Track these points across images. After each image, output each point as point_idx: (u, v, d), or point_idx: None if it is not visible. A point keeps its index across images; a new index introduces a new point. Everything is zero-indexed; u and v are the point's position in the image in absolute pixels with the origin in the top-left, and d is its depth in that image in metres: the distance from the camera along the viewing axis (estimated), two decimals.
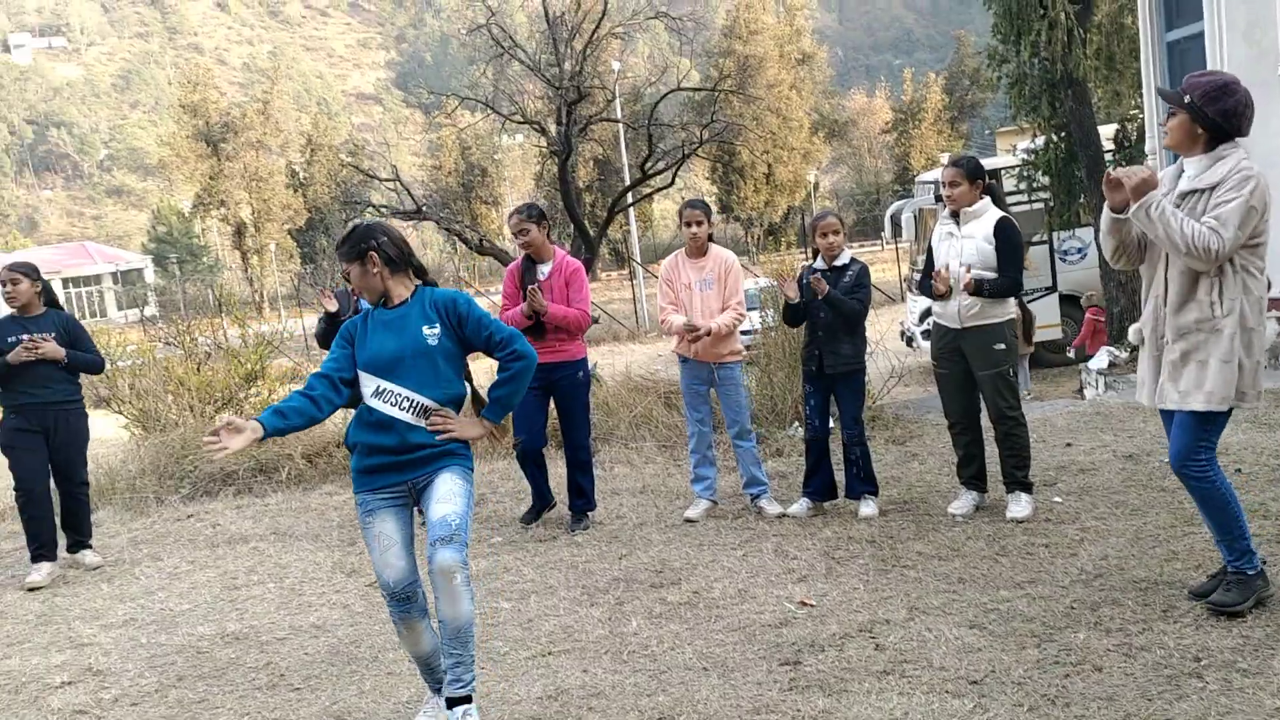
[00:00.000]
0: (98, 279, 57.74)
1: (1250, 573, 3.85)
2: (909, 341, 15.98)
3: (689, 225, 5.88)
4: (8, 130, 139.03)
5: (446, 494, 3.46)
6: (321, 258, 43.50)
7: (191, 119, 49.92)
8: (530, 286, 5.77)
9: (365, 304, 3.89)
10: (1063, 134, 16.06)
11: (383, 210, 15.97)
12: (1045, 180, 16.00)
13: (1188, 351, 3.81)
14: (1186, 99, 3.75)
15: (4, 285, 6.06)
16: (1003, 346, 5.32)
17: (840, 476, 5.90)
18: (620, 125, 25.89)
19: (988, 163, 18.26)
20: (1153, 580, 4.27)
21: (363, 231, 3.58)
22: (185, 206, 56.68)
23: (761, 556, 5.14)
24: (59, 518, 6.20)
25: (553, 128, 16.45)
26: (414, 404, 3.48)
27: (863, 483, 5.69)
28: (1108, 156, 15.72)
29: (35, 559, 6.05)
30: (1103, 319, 13.72)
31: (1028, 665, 3.62)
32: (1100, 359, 11.09)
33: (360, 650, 4.46)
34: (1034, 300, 15.36)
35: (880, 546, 5.11)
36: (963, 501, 5.52)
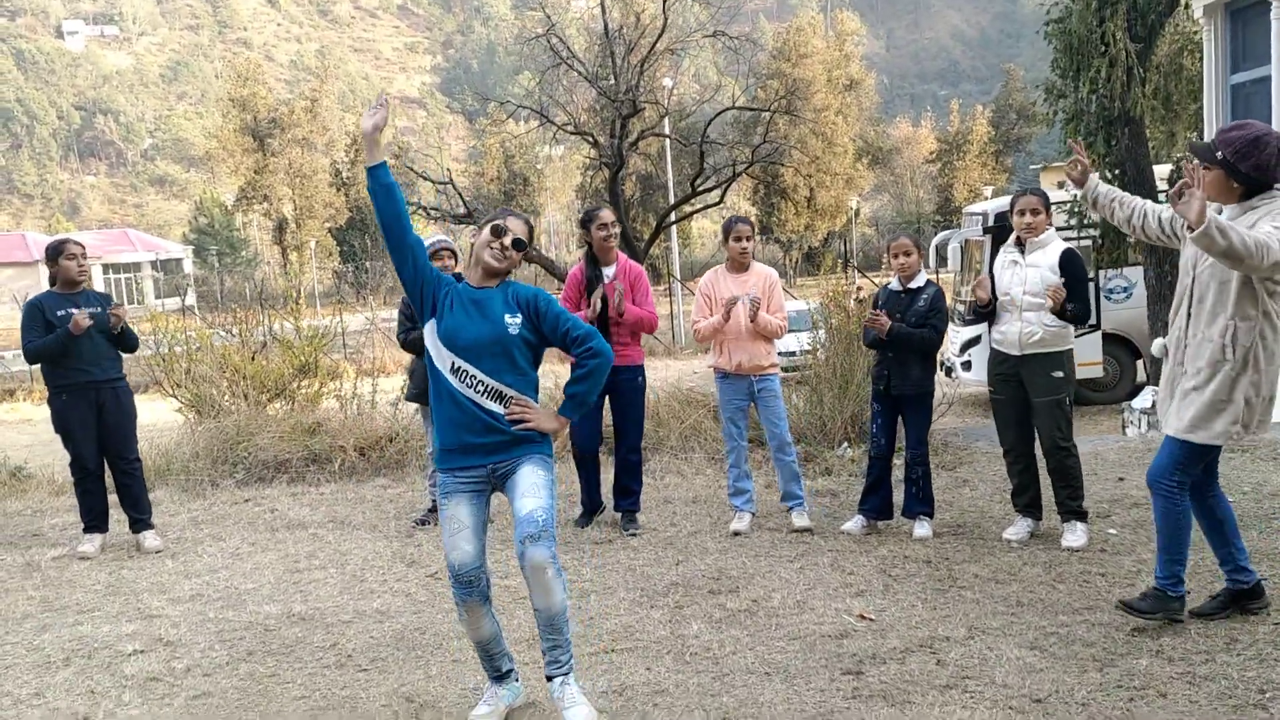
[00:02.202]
0: (137, 266, 58.45)
1: (1171, 595, 4.10)
2: (948, 372, 15.97)
3: (738, 240, 5.97)
4: (56, 115, 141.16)
5: (530, 487, 3.55)
6: (363, 257, 43.91)
7: (239, 113, 50.54)
8: (605, 283, 5.91)
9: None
10: (1117, 171, 16.03)
11: (433, 212, 16.17)
12: (1095, 217, 15.98)
13: (1197, 386, 3.99)
14: (1219, 155, 3.87)
15: (78, 260, 6.23)
16: (1061, 375, 5.37)
17: (897, 497, 5.95)
18: (666, 141, 26.05)
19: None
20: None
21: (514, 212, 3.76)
22: (228, 199, 57.28)
23: (818, 570, 5.21)
24: (117, 496, 6.35)
25: (604, 139, 16.56)
26: (489, 388, 3.57)
27: (920, 503, 5.74)
28: (1161, 197, 15.69)
29: (87, 530, 6.27)
30: None
31: (1091, 688, 3.67)
32: (1144, 398, 11.08)
33: (425, 637, 4.56)
34: (1077, 337, 15.35)
35: (936, 567, 5.16)
36: (1018, 528, 5.56)
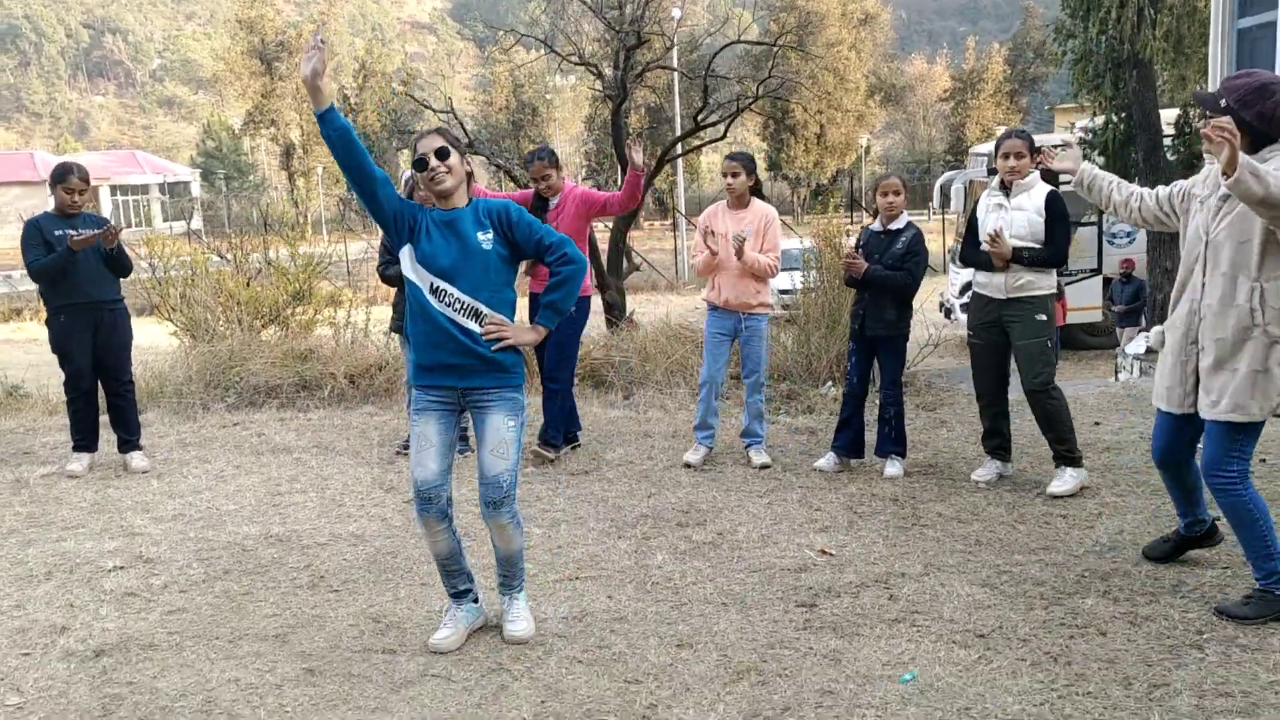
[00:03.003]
0: (145, 189, 58.35)
1: (1277, 594, 3.74)
2: (947, 313, 15.97)
3: (725, 175, 6.00)
4: (64, 33, 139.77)
5: (499, 445, 3.66)
6: None
7: (247, 35, 50.09)
8: (631, 139, 6.20)
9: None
10: (1123, 114, 15.87)
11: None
12: (1100, 160, 15.83)
13: (1222, 359, 3.73)
14: (1223, 103, 3.68)
15: (74, 195, 6.26)
16: (1044, 318, 5.38)
17: (871, 437, 6.03)
18: (675, 74, 25.71)
19: (1043, 139, 18.08)
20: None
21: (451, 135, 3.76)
22: (235, 123, 57.00)
23: (786, 505, 5.31)
24: (107, 417, 6.46)
25: (608, 71, 16.38)
26: (466, 306, 3.64)
27: (893, 443, 5.82)
28: (1166, 141, 15.52)
29: (76, 449, 6.39)
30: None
31: (1034, 624, 3.78)
32: (1138, 344, 11.11)
33: (396, 561, 4.68)
34: (1077, 281, 15.31)
35: (902, 505, 5.26)
36: (986, 469, 5.64)
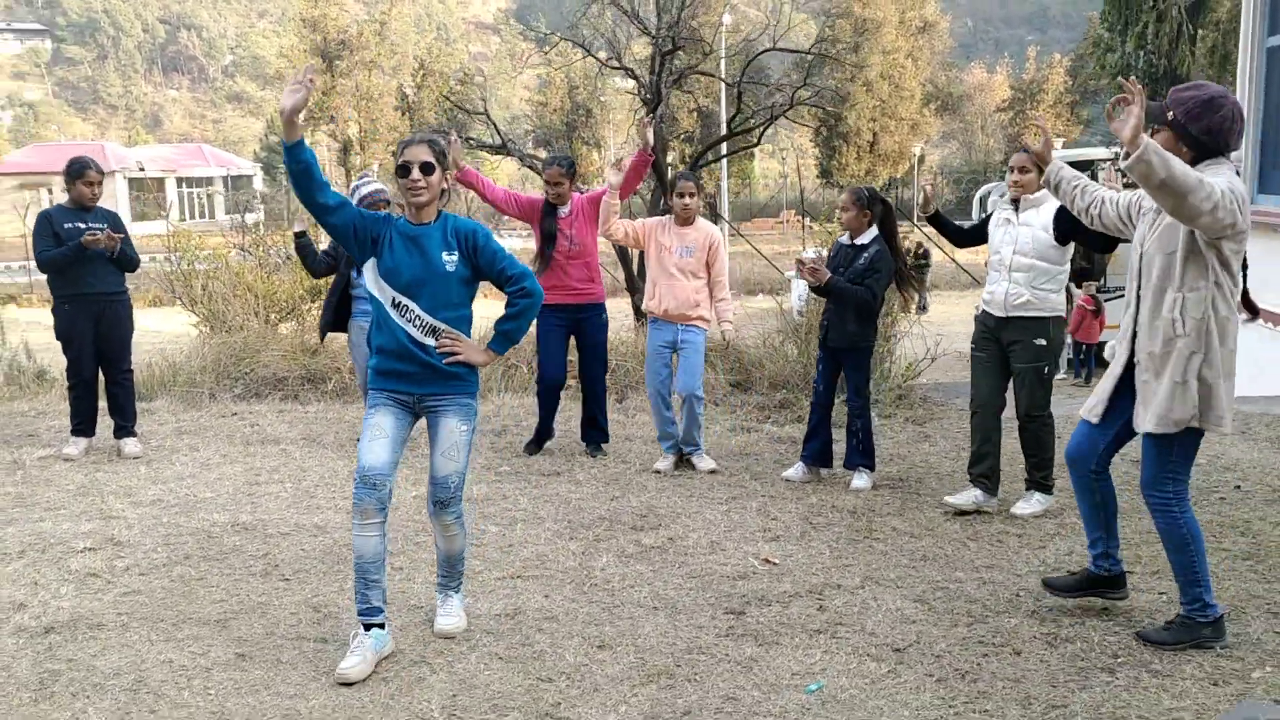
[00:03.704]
0: (210, 181, 59.64)
1: (1199, 620, 3.68)
2: None
3: (681, 196, 6.10)
4: (141, 28, 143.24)
5: (450, 448, 3.77)
6: None
7: (310, 33, 50.95)
8: (644, 118, 6.45)
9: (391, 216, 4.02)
10: None
11: (470, 141, 16.31)
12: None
13: (1153, 372, 3.70)
14: (1170, 115, 3.60)
15: (94, 187, 6.50)
16: (1044, 343, 5.24)
17: (841, 448, 6.04)
18: (722, 79, 25.73)
19: (1080, 153, 17.76)
20: None
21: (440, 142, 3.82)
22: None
23: (744, 514, 5.35)
24: (107, 403, 6.68)
25: (645, 76, 16.47)
26: (425, 324, 3.72)
27: (861, 455, 5.82)
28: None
29: (74, 433, 6.63)
30: (1091, 308, 13.28)
31: (952, 641, 3.79)
32: None
33: (350, 552, 4.78)
34: (1118, 298, 15.04)
35: (859, 518, 5.27)
36: (963, 496, 5.37)
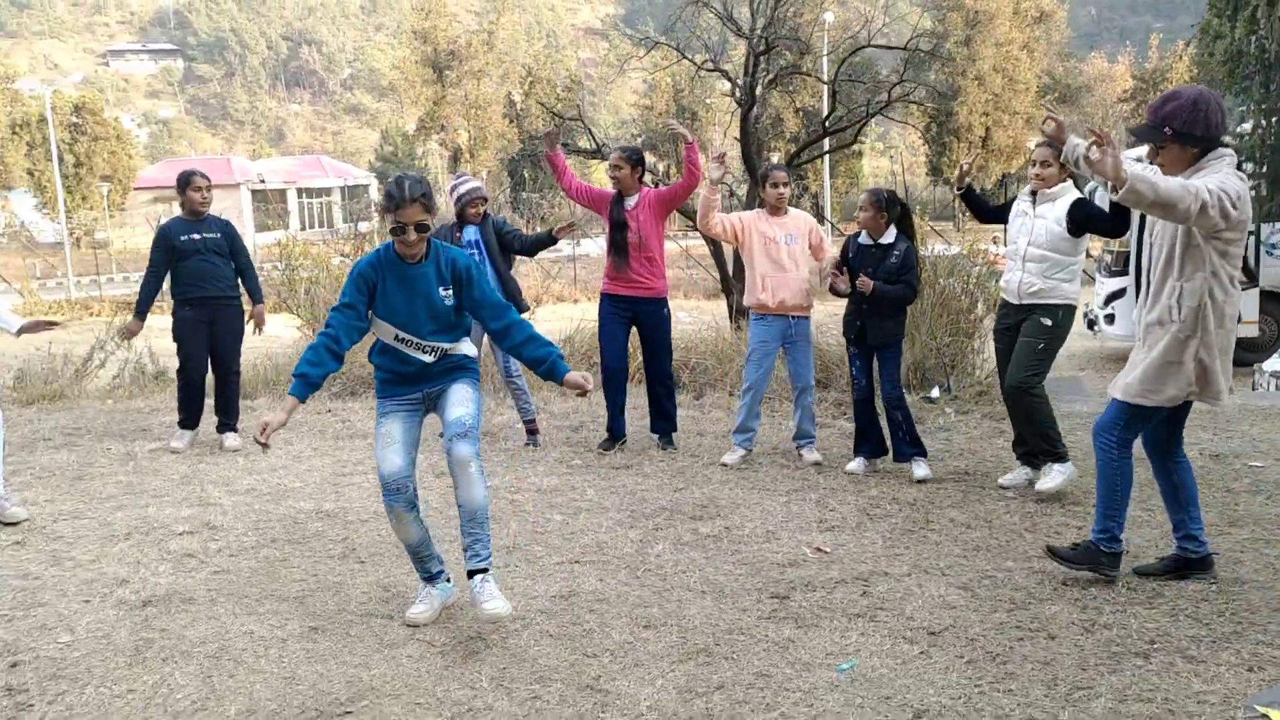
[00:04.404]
0: (328, 191, 61.79)
1: (1104, 550, 4.14)
2: (1091, 325, 15.39)
3: (775, 186, 6.18)
4: (265, 45, 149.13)
5: (460, 399, 4.03)
6: (521, 188, 45.25)
7: (421, 45, 52.38)
8: (669, 120, 6.91)
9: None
10: (1275, 118, 15.05)
11: (566, 146, 16.68)
12: (1250, 167, 15.00)
13: (1148, 347, 4.00)
14: (1167, 131, 3.81)
15: (202, 193, 6.96)
16: (1049, 322, 5.37)
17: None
18: (825, 77, 25.61)
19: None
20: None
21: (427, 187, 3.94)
22: (409, 129, 59.66)
23: (803, 505, 5.45)
24: (213, 400, 7.14)
25: (739, 78, 16.58)
26: (431, 348, 4.01)
27: (908, 445, 5.89)
28: None
29: (181, 426, 7.10)
30: None
31: (989, 626, 3.85)
32: (1275, 360, 10.62)
33: None
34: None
35: (918, 509, 5.33)
36: (1014, 475, 5.67)
